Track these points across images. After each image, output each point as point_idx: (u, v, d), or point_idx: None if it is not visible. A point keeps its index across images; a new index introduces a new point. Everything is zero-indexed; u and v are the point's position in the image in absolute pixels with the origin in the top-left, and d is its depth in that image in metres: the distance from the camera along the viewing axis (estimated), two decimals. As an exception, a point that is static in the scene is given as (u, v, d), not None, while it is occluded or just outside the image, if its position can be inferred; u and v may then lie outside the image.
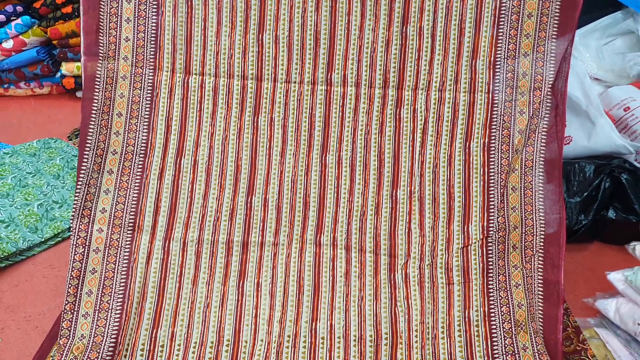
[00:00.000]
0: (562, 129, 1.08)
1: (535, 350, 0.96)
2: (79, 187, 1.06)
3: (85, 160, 1.07)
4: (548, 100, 1.07)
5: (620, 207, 1.30)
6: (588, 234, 1.31)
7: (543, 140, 1.07)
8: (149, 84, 1.11)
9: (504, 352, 0.96)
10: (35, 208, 1.46)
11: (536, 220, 1.04)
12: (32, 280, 1.27)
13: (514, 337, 0.98)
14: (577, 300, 1.15)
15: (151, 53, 1.12)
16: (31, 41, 2.04)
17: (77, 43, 2.01)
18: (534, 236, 1.03)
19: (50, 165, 1.65)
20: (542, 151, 1.07)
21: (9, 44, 2.02)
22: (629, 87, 1.47)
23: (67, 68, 2.06)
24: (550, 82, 1.06)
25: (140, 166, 1.10)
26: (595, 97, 1.38)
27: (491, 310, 1.00)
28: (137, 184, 1.09)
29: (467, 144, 1.09)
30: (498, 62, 1.09)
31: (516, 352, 0.96)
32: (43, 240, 1.38)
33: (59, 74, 2.11)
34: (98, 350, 0.96)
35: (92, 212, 1.06)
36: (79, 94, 2.16)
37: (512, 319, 0.99)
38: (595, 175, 1.30)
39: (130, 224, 1.07)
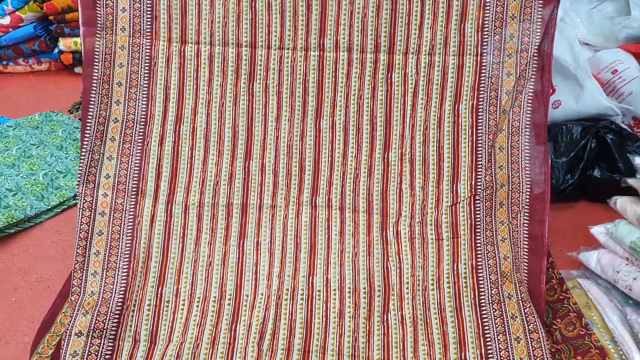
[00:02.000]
0: (548, 91, 1.11)
1: (520, 298, 1.02)
2: (83, 154, 1.11)
3: (88, 128, 1.11)
4: (534, 62, 1.09)
5: (606, 166, 1.34)
6: (574, 193, 1.35)
7: (530, 102, 1.10)
8: (147, 54, 1.14)
9: (491, 301, 1.02)
10: (40, 177, 1.50)
11: (522, 178, 1.08)
12: (41, 245, 1.33)
13: (500, 287, 1.03)
14: (562, 254, 1.21)
15: (147, 23, 1.14)
16: (28, 17, 2.05)
17: (73, 18, 2.02)
18: (520, 193, 1.08)
19: (53, 136, 1.69)
20: (528, 112, 1.10)
21: (5, 20, 2.03)
22: (617, 51, 1.49)
23: (64, 44, 2.07)
24: (537, 44, 1.09)
25: (141, 134, 1.14)
26: (584, 60, 1.40)
27: (479, 263, 1.05)
28: (138, 151, 1.13)
29: (457, 106, 1.13)
30: (486, 25, 1.11)
31: (502, 300, 1.02)
32: (49, 207, 1.43)
33: (56, 50, 2.12)
34: (107, 305, 1.03)
35: (97, 177, 1.11)
36: (77, 69, 2.17)
37: (498, 270, 1.05)
38: (582, 136, 1.34)
39: (134, 189, 1.12)
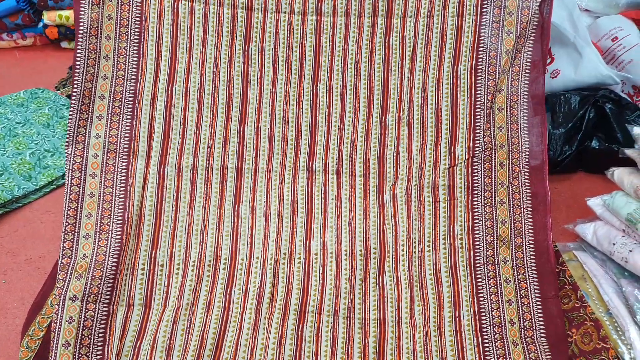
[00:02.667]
0: (546, 55, 1.10)
1: (514, 264, 1.02)
2: (71, 113, 1.07)
3: (76, 85, 1.08)
4: (535, 20, 1.08)
5: (604, 137, 1.33)
6: (572, 164, 1.35)
7: (528, 63, 1.09)
8: (137, 7, 1.10)
9: (485, 262, 1.02)
10: (27, 157, 1.47)
11: (521, 138, 1.07)
12: (30, 226, 1.30)
13: (495, 249, 1.03)
14: (559, 226, 1.21)
15: None
16: (10, -11, 1.98)
17: (58, -11, 1.96)
18: (520, 153, 1.07)
19: (39, 114, 1.65)
20: (527, 73, 1.09)
21: (-14, -7, 1.97)
22: (618, 17, 1.47)
23: (48, 17, 2.02)
24: (539, 0, 1.07)
25: (132, 92, 1.10)
26: (584, 27, 1.38)
27: (475, 224, 1.05)
28: (129, 110, 1.10)
29: (455, 67, 1.11)
30: None
31: (496, 262, 1.02)
32: (38, 187, 1.40)
33: (41, 24, 2.06)
34: (101, 269, 1.00)
35: (86, 138, 1.08)
36: (63, 44, 2.12)
37: (494, 232, 1.04)
38: (580, 106, 1.32)
39: (125, 149, 1.09)
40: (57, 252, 1.16)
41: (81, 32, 1.07)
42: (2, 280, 1.16)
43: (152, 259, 1.04)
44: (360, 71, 1.14)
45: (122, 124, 1.09)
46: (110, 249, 1.02)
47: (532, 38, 1.08)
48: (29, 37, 2.13)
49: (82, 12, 1.07)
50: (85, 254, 1.02)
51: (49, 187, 1.42)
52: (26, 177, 1.41)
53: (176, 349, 0.95)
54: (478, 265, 1.02)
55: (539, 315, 0.97)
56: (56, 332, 0.94)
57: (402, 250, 1.05)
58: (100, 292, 0.98)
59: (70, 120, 1.07)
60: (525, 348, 0.95)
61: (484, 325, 0.97)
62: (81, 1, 1.07)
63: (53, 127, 1.60)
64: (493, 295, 0.99)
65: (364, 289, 1.01)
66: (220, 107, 1.13)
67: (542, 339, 0.95)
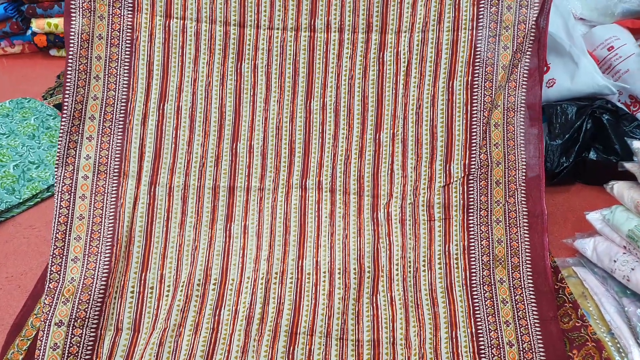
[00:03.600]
0: (543, 69, 1.09)
1: (511, 285, 1.00)
2: (61, 135, 1.06)
3: (66, 107, 1.06)
4: (532, 34, 1.07)
5: (601, 148, 1.31)
6: (569, 176, 1.33)
7: (525, 80, 1.07)
8: (128, 26, 1.09)
9: (482, 283, 1.00)
10: (11, 169, 1.43)
11: (518, 155, 1.06)
12: (12, 241, 1.27)
13: (491, 269, 1.01)
14: (557, 241, 1.18)
15: None
16: (-3, -3, 1.97)
17: (45, -2, 1.94)
18: (517, 171, 1.05)
19: (24, 125, 1.61)
20: (523, 88, 1.08)
21: (-27, 2, 1.95)
22: (613, 26, 1.45)
23: (37, 25, 1.99)
24: (535, 15, 1.06)
25: (122, 111, 1.09)
26: (579, 37, 1.36)
27: (471, 244, 1.03)
28: (120, 130, 1.09)
29: (451, 83, 1.10)
30: None
31: (492, 283, 1.00)
32: (21, 201, 1.36)
33: (29, 32, 2.04)
34: (89, 292, 0.98)
35: (76, 159, 1.06)
36: (52, 52, 2.10)
37: (490, 252, 1.02)
38: (577, 117, 1.30)
39: (116, 170, 1.07)
40: (40, 268, 1.14)
41: (71, 53, 1.06)
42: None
43: (142, 282, 1.02)
44: (354, 87, 1.13)
45: (112, 144, 1.08)
46: (98, 271, 1.00)
47: (528, 53, 1.07)
48: (17, 44, 2.10)
49: (72, 32, 1.06)
50: (73, 278, 0.99)
51: (33, 200, 1.38)
52: (9, 190, 1.37)
53: None
54: (474, 285, 1.00)
55: (538, 337, 0.95)
56: (39, 359, 0.92)
57: (397, 269, 1.03)
58: (87, 317, 0.96)
59: (60, 143, 1.06)
60: None
61: (482, 348, 0.95)
62: (71, 21, 1.06)
63: (38, 138, 1.57)
64: (490, 317, 0.97)
65: (357, 309, 0.99)
66: (213, 125, 1.11)
67: None
